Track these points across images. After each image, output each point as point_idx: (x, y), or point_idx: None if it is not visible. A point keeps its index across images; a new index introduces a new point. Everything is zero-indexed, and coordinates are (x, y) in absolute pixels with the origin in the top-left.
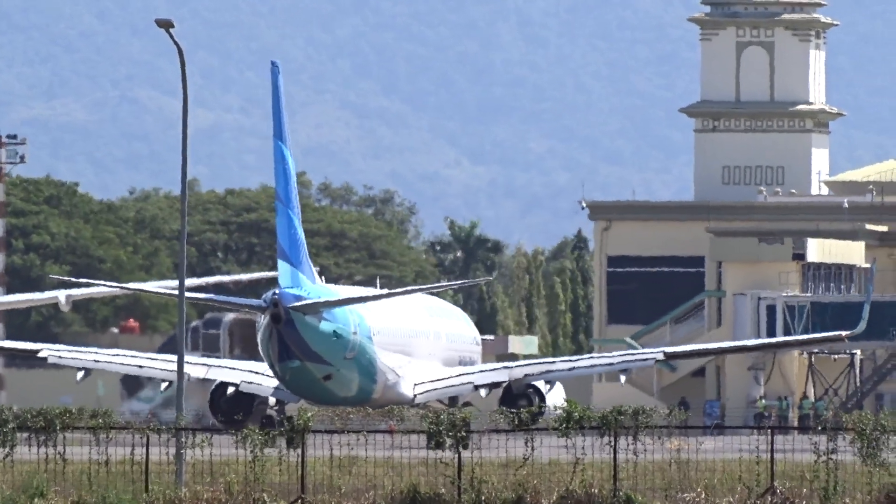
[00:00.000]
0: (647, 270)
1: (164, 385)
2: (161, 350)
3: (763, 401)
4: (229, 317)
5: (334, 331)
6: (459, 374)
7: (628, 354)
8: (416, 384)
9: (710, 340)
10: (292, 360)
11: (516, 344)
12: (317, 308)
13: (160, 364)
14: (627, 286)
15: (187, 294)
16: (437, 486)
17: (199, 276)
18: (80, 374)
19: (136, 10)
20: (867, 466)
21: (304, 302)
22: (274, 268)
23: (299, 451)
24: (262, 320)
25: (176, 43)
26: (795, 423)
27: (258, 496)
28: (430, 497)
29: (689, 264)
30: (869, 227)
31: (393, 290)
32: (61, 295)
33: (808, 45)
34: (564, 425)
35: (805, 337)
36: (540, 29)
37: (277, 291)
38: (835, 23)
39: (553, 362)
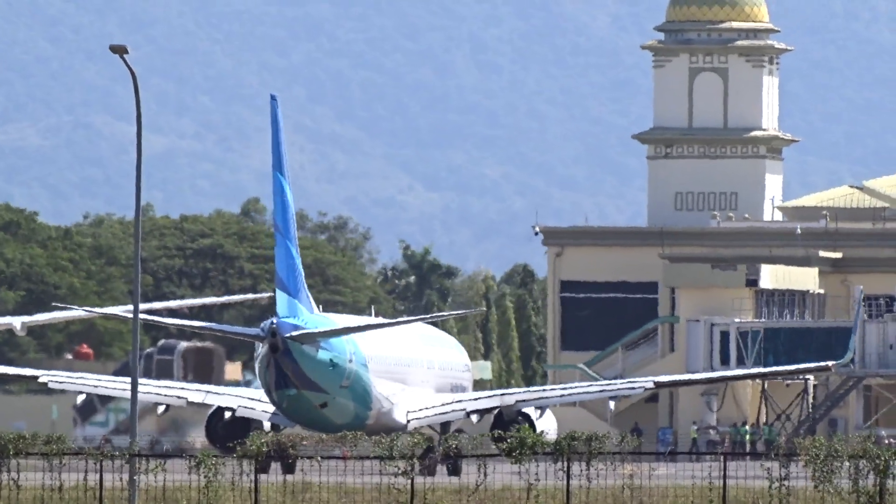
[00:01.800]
0: (600, 296)
1: (160, 409)
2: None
3: (694, 427)
4: (183, 344)
5: (331, 359)
6: (452, 401)
7: (619, 382)
8: (408, 411)
9: (663, 367)
10: (289, 389)
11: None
12: (314, 338)
13: (157, 389)
14: (581, 312)
15: (185, 322)
16: None
17: (153, 301)
18: (80, 398)
19: (90, 36)
20: (819, 492)
21: (301, 332)
22: (228, 293)
23: (251, 476)
24: (261, 349)
25: (130, 69)
26: (748, 449)
27: None
28: None
29: (643, 290)
30: (822, 253)
31: (389, 321)
32: (16, 321)
33: (762, 72)
34: (517, 451)
35: (792, 367)
36: (494, 56)
37: (275, 321)
38: (788, 49)
39: (545, 389)
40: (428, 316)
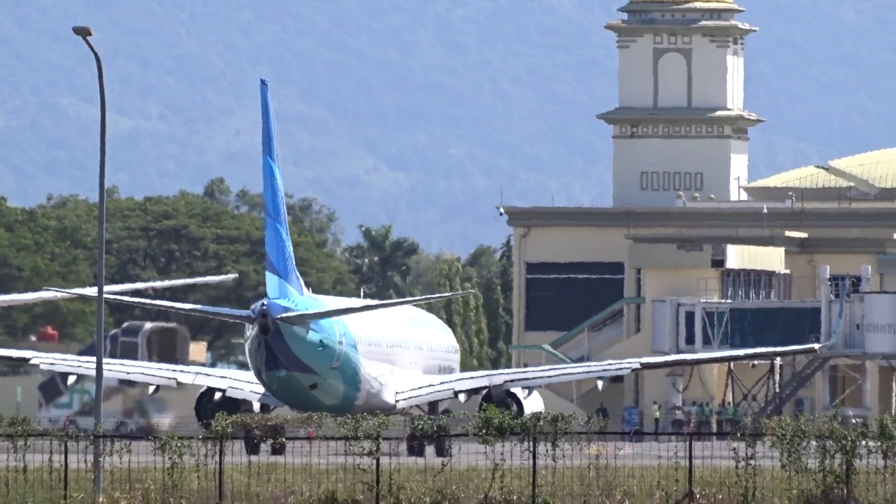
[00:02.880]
0: (566, 277)
1: (151, 389)
2: None
3: (655, 407)
4: (147, 325)
5: (321, 341)
6: (440, 382)
7: (606, 364)
8: (397, 392)
9: (628, 348)
10: (279, 370)
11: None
12: (304, 319)
13: (150, 370)
14: (546, 293)
15: (172, 304)
16: (356, 493)
17: (118, 282)
18: (71, 379)
19: (56, 17)
20: (786, 472)
21: (291, 313)
22: (192, 275)
23: (216, 458)
24: (251, 331)
25: (93, 50)
26: (714, 429)
27: (176, 503)
28: (348, 503)
29: (609, 271)
30: (788, 233)
31: (378, 302)
32: None
33: (726, 52)
34: (483, 431)
35: (778, 349)
36: (459, 35)
37: (266, 302)
38: (753, 29)
39: (533, 370)
40: (417, 298)
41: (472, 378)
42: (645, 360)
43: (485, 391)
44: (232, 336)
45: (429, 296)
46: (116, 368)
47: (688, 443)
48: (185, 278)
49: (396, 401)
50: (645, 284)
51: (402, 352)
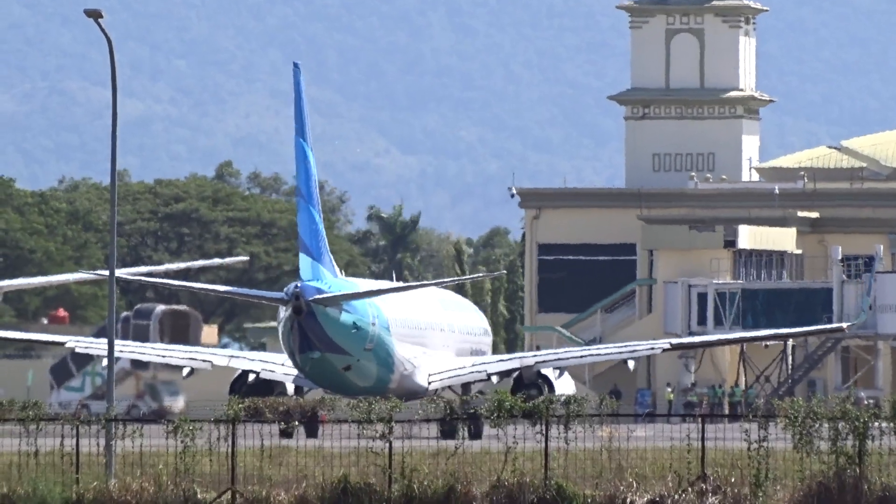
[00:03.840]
0: (577, 258)
1: (185, 371)
2: None
3: (669, 389)
4: (160, 308)
5: (354, 322)
6: (472, 364)
7: (637, 344)
8: (430, 374)
9: (641, 329)
10: (313, 352)
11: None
12: (337, 301)
13: (180, 353)
14: (558, 274)
15: (210, 286)
16: (368, 476)
17: (129, 265)
18: (104, 361)
19: (65, 1)
20: (799, 453)
21: (324, 295)
22: (203, 257)
23: (229, 441)
24: (284, 313)
25: (105, 33)
26: (727, 411)
27: (188, 487)
28: (360, 487)
29: (620, 252)
30: (800, 213)
31: (410, 284)
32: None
33: (738, 32)
34: (496, 414)
35: (809, 328)
36: (469, 18)
37: (299, 284)
38: (764, 9)
39: (564, 351)
40: (446, 280)
41: (504, 360)
42: (676, 340)
43: (516, 373)
44: (244, 319)
45: (460, 277)
46: (151, 352)
47: (700, 425)
48: (196, 260)
49: (429, 382)
50: (657, 266)
51: (435, 334)
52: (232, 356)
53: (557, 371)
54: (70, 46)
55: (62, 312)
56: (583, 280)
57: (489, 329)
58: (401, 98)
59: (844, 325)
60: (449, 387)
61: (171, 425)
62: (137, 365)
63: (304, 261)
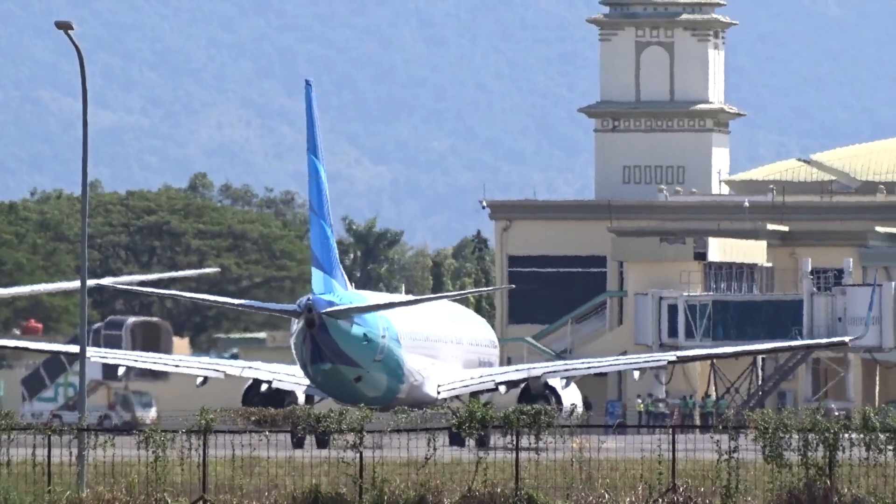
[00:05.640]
0: (548, 270)
1: (199, 381)
2: None
3: (639, 401)
4: (131, 319)
5: (364, 334)
6: (480, 375)
7: (642, 357)
8: (438, 385)
9: (611, 340)
10: (324, 363)
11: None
12: (348, 313)
13: (198, 364)
14: (529, 286)
15: (224, 300)
16: (339, 486)
17: (100, 277)
18: (121, 371)
19: (38, 12)
20: (769, 465)
21: (336, 307)
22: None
23: (200, 451)
24: (297, 325)
25: (75, 45)
26: (698, 422)
27: (160, 496)
28: (331, 497)
29: (591, 264)
30: (770, 226)
31: (420, 297)
32: None
33: (708, 45)
34: (467, 425)
35: (810, 342)
36: (441, 29)
37: (311, 297)
38: (734, 23)
39: (570, 363)
40: (454, 293)
41: (511, 371)
42: (681, 353)
43: (524, 383)
44: (214, 331)
45: (462, 291)
46: (162, 362)
47: (671, 436)
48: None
49: (438, 393)
50: (627, 277)
51: (443, 345)
52: (246, 367)
53: (564, 381)
54: (42, 56)
55: (34, 323)
56: (553, 291)
57: (496, 340)
58: (373, 109)
59: (847, 339)
60: (457, 397)
61: (143, 435)
62: (109, 375)
63: (317, 274)
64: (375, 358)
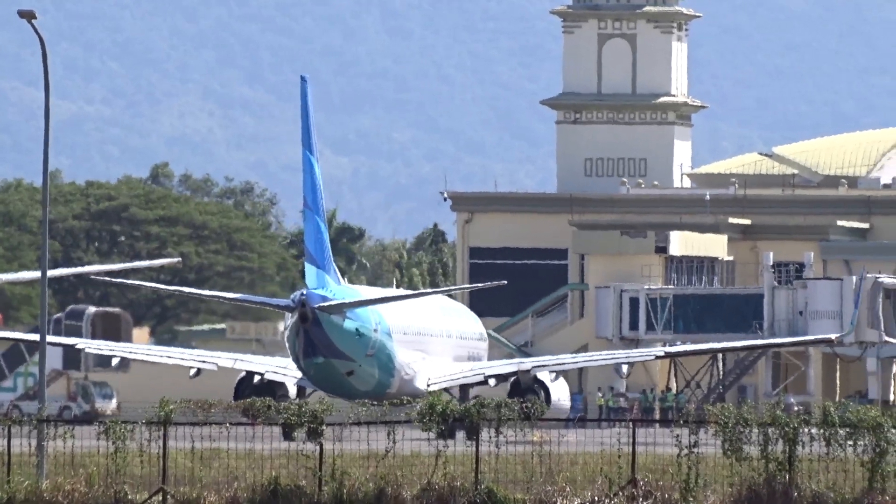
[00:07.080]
0: (509, 263)
1: (192, 372)
2: None
3: (600, 395)
4: (91, 309)
5: (357, 329)
6: (470, 369)
7: (630, 352)
8: (429, 378)
9: (572, 333)
10: (317, 357)
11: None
12: (341, 308)
13: (191, 355)
14: (490, 278)
15: (218, 294)
16: (298, 479)
17: (61, 265)
18: (115, 361)
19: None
20: (729, 459)
21: (329, 302)
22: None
23: (160, 442)
24: (290, 319)
25: (38, 34)
26: (658, 416)
27: (119, 488)
28: (290, 489)
29: (552, 256)
30: (731, 220)
31: (412, 292)
32: None
33: (671, 38)
34: (427, 418)
35: (796, 339)
36: (403, 21)
37: (305, 292)
38: (697, 15)
39: (560, 357)
40: (449, 288)
41: (501, 364)
42: (670, 348)
43: (513, 377)
44: (174, 322)
45: (457, 286)
46: (158, 353)
47: (631, 430)
48: (127, 261)
49: (428, 386)
50: (588, 270)
51: (434, 340)
52: (237, 359)
53: (553, 375)
54: (3, 46)
55: None
56: (514, 284)
57: (485, 334)
58: (334, 99)
59: (833, 336)
60: (447, 389)
61: (103, 426)
62: (69, 366)
63: (310, 269)
64: (368, 352)
